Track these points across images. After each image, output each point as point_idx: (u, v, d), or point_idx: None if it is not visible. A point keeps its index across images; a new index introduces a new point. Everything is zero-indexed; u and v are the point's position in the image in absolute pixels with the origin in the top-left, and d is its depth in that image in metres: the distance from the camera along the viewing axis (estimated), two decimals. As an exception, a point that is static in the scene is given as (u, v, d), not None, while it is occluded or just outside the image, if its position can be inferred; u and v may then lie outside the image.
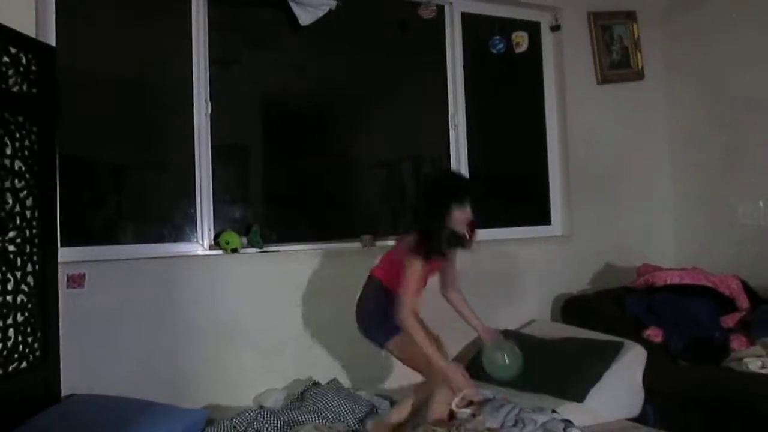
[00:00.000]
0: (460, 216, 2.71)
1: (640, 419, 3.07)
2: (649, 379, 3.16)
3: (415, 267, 2.66)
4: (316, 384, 3.25)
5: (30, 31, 2.79)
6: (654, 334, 3.35)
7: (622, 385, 3.11)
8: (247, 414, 2.84)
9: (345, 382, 3.37)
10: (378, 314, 2.79)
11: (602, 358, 3.13)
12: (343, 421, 2.86)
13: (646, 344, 3.28)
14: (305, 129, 3.73)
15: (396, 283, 2.70)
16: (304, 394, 3.12)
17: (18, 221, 2.57)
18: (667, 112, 4.50)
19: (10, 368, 2.49)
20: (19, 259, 2.57)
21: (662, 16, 4.48)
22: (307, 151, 3.74)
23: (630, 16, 4.38)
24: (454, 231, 2.73)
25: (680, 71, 4.41)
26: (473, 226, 2.82)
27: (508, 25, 4.10)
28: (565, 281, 4.11)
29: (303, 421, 2.81)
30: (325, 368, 3.40)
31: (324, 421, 2.83)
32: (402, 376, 3.30)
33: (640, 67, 4.40)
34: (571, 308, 3.90)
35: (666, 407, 3.10)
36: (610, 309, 3.67)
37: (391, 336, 2.74)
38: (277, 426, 2.78)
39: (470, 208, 2.74)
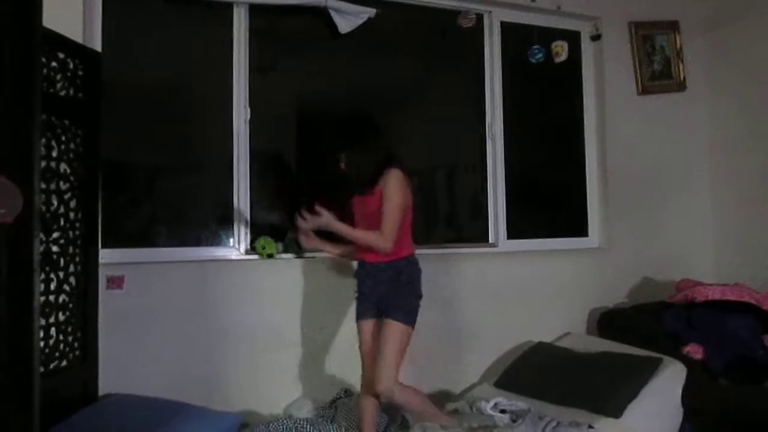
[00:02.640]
0: None
1: (678, 438, 3.00)
2: (688, 397, 3.08)
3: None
4: (347, 392, 3.25)
5: (77, 36, 2.86)
6: (694, 350, 3.27)
7: (661, 402, 3.04)
8: (283, 422, 2.85)
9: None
10: None
11: (640, 373, 3.06)
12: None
13: (685, 361, 3.20)
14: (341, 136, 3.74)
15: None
16: (336, 403, 3.12)
17: (62, 222, 2.63)
18: (708, 124, 4.41)
19: (51, 366, 2.54)
20: (61, 260, 2.62)
21: (705, 26, 4.39)
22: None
23: (672, 26, 4.31)
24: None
25: (723, 83, 4.32)
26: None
27: (547, 35, 4.06)
28: (601, 294, 4.04)
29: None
30: (358, 376, 3.39)
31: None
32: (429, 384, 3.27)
33: (681, 78, 4.33)
34: (608, 322, 3.83)
35: (705, 426, 3.02)
36: (648, 324, 3.59)
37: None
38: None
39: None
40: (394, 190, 2.67)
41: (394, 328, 2.67)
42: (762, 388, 3.01)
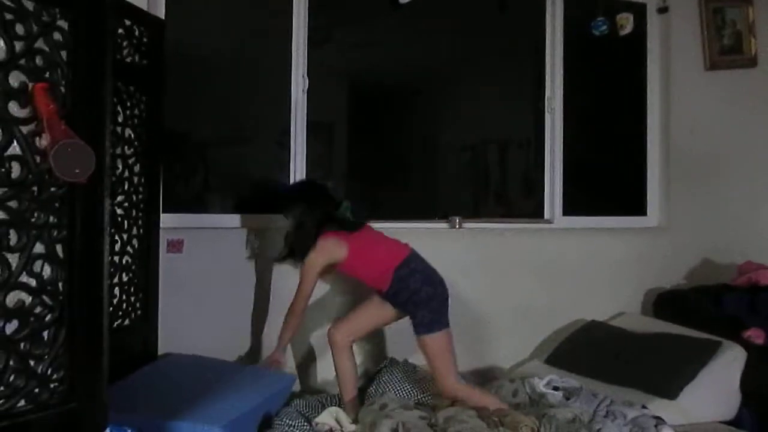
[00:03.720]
0: None
1: (735, 423, 2.94)
2: (748, 382, 3.01)
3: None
4: (393, 361, 3.27)
5: (142, 4, 2.91)
6: (756, 335, 3.17)
7: (718, 386, 2.98)
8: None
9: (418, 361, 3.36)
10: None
11: (698, 356, 2.99)
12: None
13: (746, 345, 3.12)
14: (396, 108, 3.73)
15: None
16: (381, 372, 3.15)
17: (126, 186, 2.70)
18: (780, 101, 4.22)
19: (115, 324, 2.63)
20: (125, 222, 2.70)
21: (781, -2, 4.18)
22: (396, 130, 3.74)
23: (745, -1, 4.12)
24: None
25: (796, 59, 4.12)
26: None
27: (612, 6, 3.93)
28: (658, 275, 3.95)
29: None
30: (402, 348, 3.41)
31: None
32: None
33: (753, 53, 4.13)
34: (664, 303, 3.75)
35: (764, 413, 2.94)
36: (707, 306, 3.51)
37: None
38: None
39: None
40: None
41: (423, 343, 2.69)
42: (827, 376, 2.92)
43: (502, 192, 4.03)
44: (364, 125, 3.68)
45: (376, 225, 3.42)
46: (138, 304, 2.79)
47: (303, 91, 3.40)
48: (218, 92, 3.39)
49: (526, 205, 3.97)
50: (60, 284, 1.45)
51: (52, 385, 1.44)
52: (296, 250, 2.85)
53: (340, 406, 2.81)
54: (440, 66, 3.80)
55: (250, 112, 3.47)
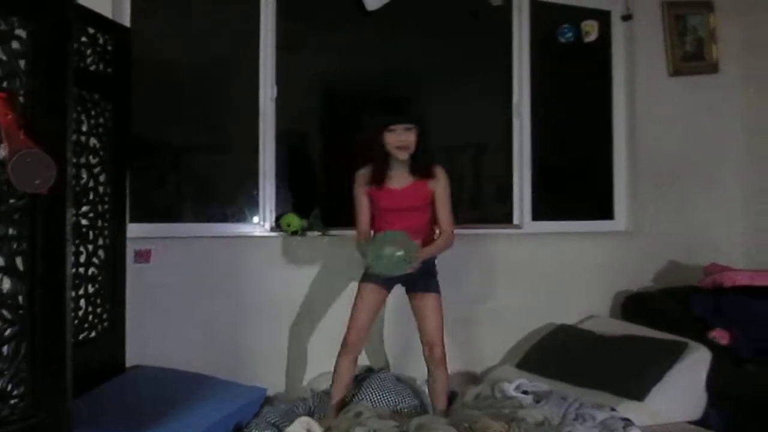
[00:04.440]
0: (392, 139, 2.71)
1: (702, 423, 2.97)
2: (714, 382, 3.06)
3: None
4: (369, 370, 3.27)
5: (107, 11, 2.87)
6: (720, 335, 3.23)
7: (685, 386, 3.02)
8: (306, 400, 2.89)
9: (399, 368, 3.37)
10: None
11: (665, 357, 3.04)
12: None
13: (711, 346, 3.17)
14: (368, 114, 3.72)
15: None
16: (359, 380, 3.14)
17: (91, 196, 2.66)
18: (740, 107, 4.32)
19: (80, 337, 2.58)
20: (91, 233, 2.66)
21: (741, 7, 4.28)
22: (368, 136, 3.74)
23: (707, 6, 4.21)
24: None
25: (756, 65, 4.22)
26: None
27: (578, 14, 4.00)
28: (626, 278, 4.00)
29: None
30: (379, 354, 3.42)
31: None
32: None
33: (715, 59, 4.23)
34: (632, 305, 3.80)
35: (731, 411, 2.99)
36: (674, 308, 3.56)
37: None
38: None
39: (410, 132, 2.72)
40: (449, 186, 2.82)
41: (438, 300, 2.79)
42: (789, 375, 2.98)
43: (476, 197, 4.05)
44: (336, 132, 3.67)
45: (349, 232, 3.43)
46: (105, 316, 2.75)
47: (272, 98, 3.39)
48: (188, 100, 3.36)
49: (498, 210, 3.99)
50: (20, 297, 1.43)
51: (12, 401, 1.41)
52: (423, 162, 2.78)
53: (311, 414, 2.79)
54: (415, 71, 3.80)
55: (220, 121, 3.44)
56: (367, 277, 2.80)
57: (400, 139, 2.70)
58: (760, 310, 3.25)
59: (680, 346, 3.11)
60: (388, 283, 2.81)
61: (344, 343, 2.79)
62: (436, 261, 2.85)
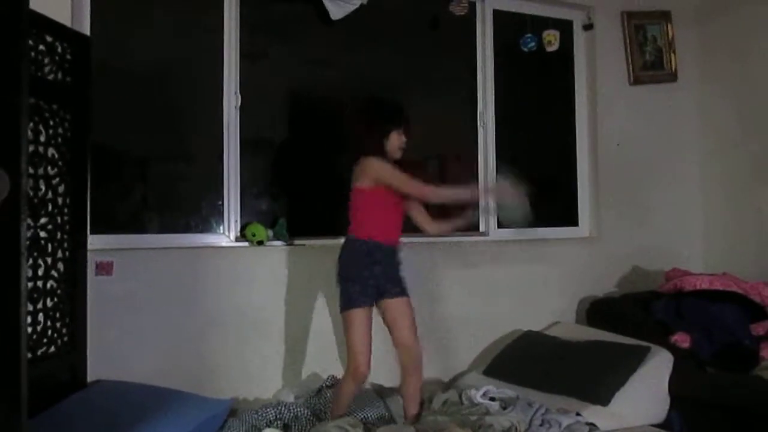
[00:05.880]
0: (397, 140, 2.83)
1: (665, 425, 3.02)
2: (676, 385, 3.11)
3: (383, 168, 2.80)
4: (335, 380, 3.25)
5: (65, 20, 2.82)
6: (681, 339, 3.29)
7: (648, 390, 3.07)
8: (272, 408, 2.85)
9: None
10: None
11: (628, 362, 3.08)
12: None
13: (673, 350, 3.22)
14: (332, 124, 3.73)
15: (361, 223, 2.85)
16: (321, 392, 3.12)
17: (50, 208, 2.61)
18: (699, 114, 4.42)
19: (39, 352, 2.52)
20: (49, 245, 2.60)
21: (698, 17, 4.40)
22: (334, 145, 3.73)
23: (665, 16, 4.31)
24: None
25: (714, 74, 4.33)
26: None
27: (540, 23, 4.05)
28: (590, 283, 4.06)
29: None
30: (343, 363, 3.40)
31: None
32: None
33: (673, 68, 4.33)
34: (597, 311, 3.85)
35: (692, 414, 3.04)
36: (637, 313, 3.62)
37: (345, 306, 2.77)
38: (303, 420, 2.79)
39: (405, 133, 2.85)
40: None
41: (410, 302, 2.85)
42: (748, 376, 3.04)
43: (442, 206, 4.05)
44: (301, 141, 3.66)
45: (315, 242, 3.42)
46: (64, 330, 2.69)
47: (236, 107, 3.37)
48: (151, 109, 3.32)
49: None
50: (-29, 314, 1.39)
51: (-38, 421, 1.37)
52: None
53: (274, 424, 2.76)
54: (379, 81, 3.81)
55: (183, 130, 3.42)
56: (350, 303, 2.74)
57: (404, 140, 2.84)
58: (719, 313, 3.32)
59: (643, 351, 3.16)
60: (371, 299, 2.78)
61: (356, 374, 2.73)
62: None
